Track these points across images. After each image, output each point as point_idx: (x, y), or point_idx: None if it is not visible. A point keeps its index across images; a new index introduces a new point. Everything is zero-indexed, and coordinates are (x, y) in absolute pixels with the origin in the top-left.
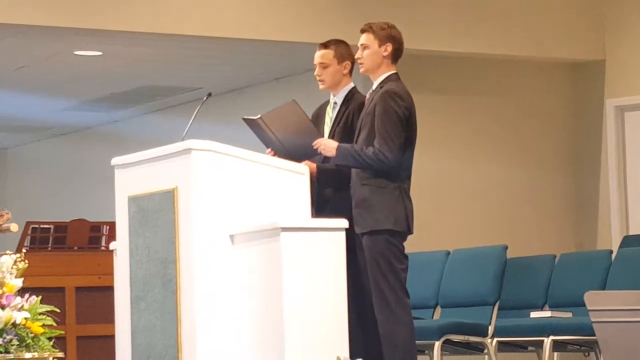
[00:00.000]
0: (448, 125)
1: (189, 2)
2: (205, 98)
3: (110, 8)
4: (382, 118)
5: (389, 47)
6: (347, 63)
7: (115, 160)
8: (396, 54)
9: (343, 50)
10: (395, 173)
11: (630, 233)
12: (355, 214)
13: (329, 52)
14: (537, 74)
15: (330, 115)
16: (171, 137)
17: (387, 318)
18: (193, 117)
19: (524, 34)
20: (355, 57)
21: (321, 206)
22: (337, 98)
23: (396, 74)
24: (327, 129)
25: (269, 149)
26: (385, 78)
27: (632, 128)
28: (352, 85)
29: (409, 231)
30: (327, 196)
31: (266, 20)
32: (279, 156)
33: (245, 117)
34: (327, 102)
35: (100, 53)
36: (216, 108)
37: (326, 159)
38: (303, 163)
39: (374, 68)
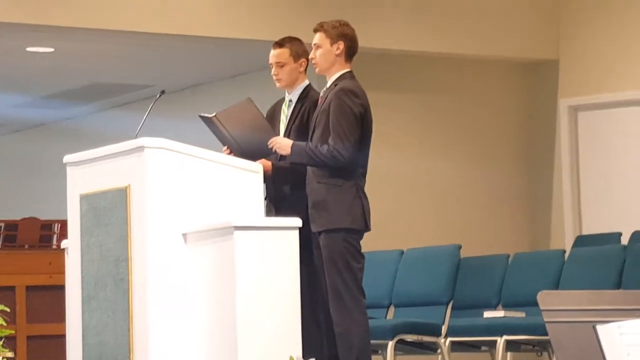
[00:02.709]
0: (402, 123)
1: None
2: (158, 95)
3: (62, 4)
4: (337, 115)
5: (341, 45)
6: (303, 61)
7: (67, 158)
8: (349, 52)
9: (298, 48)
10: (351, 171)
11: (584, 233)
12: (311, 213)
13: (285, 51)
14: (491, 73)
15: (285, 113)
16: (126, 134)
17: (343, 317)
18: (146, 114)
19: (479, 33)
20: (310, 57)
21: (279, 204)
22: (292, 96)
23: (350, 72)
24: (282, 127)
25: (225, 147)
26: (340, 76)
27: (586, 128)
28: (307, 82)
29: (367, 228)
30: (285, 194)
31: (221, 18)
32: (235, 154)
33: (202, 114)
34: (282, 100)
35: (52, 49)
36: (171, 105)
37: (282, 157)
38: (258, 162)
39: (327, 67)
